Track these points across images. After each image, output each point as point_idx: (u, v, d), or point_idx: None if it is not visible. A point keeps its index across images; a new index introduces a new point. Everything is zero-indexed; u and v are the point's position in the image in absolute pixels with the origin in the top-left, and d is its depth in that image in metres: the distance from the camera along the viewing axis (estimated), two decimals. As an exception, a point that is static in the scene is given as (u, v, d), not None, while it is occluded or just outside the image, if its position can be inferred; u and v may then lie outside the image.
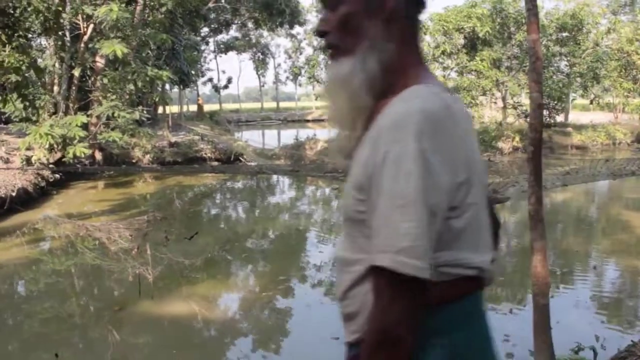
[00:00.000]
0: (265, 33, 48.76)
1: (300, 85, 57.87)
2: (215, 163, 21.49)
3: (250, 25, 41.66)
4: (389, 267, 1.03)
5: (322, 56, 34.20)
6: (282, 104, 63.93)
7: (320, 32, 1.24)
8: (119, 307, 7.20)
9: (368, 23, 1.18)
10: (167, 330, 6.72)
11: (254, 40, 50.49)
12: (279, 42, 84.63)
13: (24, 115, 16.86)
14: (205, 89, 61.06)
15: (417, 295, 1.05)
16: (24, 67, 16.39)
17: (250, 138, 29.22)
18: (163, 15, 22.27)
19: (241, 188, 18.91)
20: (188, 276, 8.40)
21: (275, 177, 19.49)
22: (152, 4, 20.99)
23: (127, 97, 18.79)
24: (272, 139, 34.88)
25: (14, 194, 13.18)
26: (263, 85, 61.26)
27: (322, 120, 43.64)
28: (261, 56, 54.29)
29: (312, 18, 43.53)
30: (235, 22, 40.05)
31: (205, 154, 22.05)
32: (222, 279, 8.87)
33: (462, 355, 1.14)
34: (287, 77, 59.21)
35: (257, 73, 56.47)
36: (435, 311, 1.11)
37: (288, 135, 34.90)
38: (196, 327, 6.78)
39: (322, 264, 9.06)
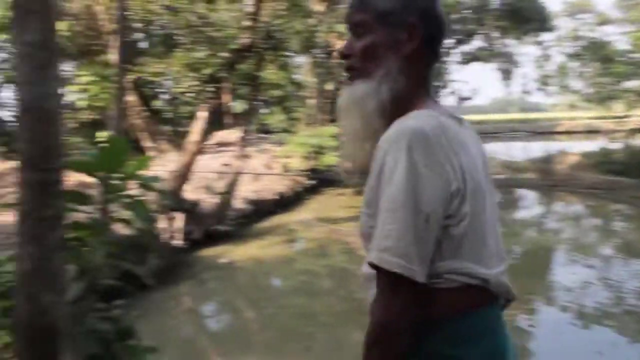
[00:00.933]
0: (511, 42, 46.93)
1: (549, 95, 54.57)
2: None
3: (495, 34, 40.50)
4: (372, 262, 1.16)
5: (573, 64, 31.85)
6: (530, 115, 60.90)
7: (343, 55, 1.37)
8: (366, 310, 7.54)
9: (388, 56, 1.31)
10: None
11: (499, 50, 48.97)
12: (525, 50, 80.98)
13: (284, 126, 18.69)
14: (450, 101, 60.86)
15: (411, 293, 1.14)
16: (285, 83, 18.28)
17: (496, 150, 28.31)
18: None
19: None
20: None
21: (520, 191, 18.65)
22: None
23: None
24: (518, 151, 33.44)
25: (275, 197, 14.72)
26: (510, 96, 59.13)
27: (574, 133, 40.47)
28: (507, 66, 52.44)
29: (562, 23, 40.83)
30: (480, 31, 39.31)
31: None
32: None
33: None
34: (535, 87, 56.35)
35: (502, 83, 54.74)
36: (447, 323, 1.20)
37: (536, 148, 33.08)
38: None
39: (573, 286, 8.39)
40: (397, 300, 1.16)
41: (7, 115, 35.83)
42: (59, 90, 2.64)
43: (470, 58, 45.66)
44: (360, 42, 1.34)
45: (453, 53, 42.41)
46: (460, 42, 39.73)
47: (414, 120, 1.20)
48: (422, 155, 1.14)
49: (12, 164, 15.74)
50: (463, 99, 48.25)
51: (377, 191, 1.20)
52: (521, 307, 7.51)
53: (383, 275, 1.17)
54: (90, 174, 2.75)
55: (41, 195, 2.54)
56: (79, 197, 2.86)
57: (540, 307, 7.89)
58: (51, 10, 2.64)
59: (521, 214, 16.14)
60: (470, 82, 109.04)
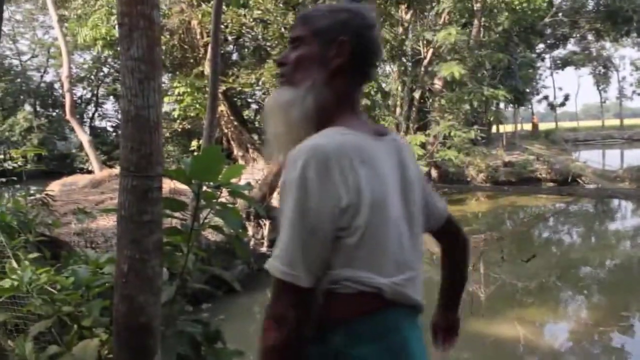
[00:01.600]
0: (607, 44, 44.63)
1: (648, 100, 51.45)
2: (551, 184, 20.56)
3: (590, 37, 38.67)
4: (266, 268, 1.31)
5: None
6: (627, 121, 57.59)
7: (279, 63, 1.51)
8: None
9: (316, 68, 1.42)
10: (488, 350, 6.71)
11: (594, 53, 46.70)
12: (623, 53, 77.00)
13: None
14: (540, 107, 58.73)
15: (295, 296, 1.28)
16: (372, 92, 18.26)
17: (590, 158, 26.97)
18: (498, 35, 22.33)
19: (577, 211, 17.69)
20: (519, 299, 8.23)
21: (616, 201, 17.69)
22: (488, 24, 21.23)
23: (463, 116, 19.33)
24: (614, 159, 31.72)
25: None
26: (604, 102, 56.35)
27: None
28: (603, 70, 49.90)
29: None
30: (574, 35, 37.69)
31: (540, 174, 21.27)
32: (553, 306, 8.44)
33: None
34: (634, 92, 53.30)
35: (597, 88, 52.20)
36: (346, 324, 1.32)
37: (633, 156, 31.26)
38: (518, 351, 6.61)
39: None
40: (281, 301, 1.30)
41: (108, 125, 38.21)
42: (159, 102, 2.78)
43: (562, 63, 43.88)
44: (294, 53, 1.46)
45: (545, 58, 40.96)
46: (551, 46, 38.28)
47: (319, 138, 1.30)
48: (315, 173, 1.24)
49: (111, 171, 16.71)
50: (555, 105, 46.45)
51: (281, 204, 1.32)
52: (616, 325, 7.17)
53: (274, 280, 1.31)
54: (185, 181, 2.86)
55: (140, 201, 2.68)
56: (175, 203, 2.99)
57: (637, 325, 7.49)
58: (154, 27, 2.78)
59: (616, 226, 15.34)
60: (562, 88, 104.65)
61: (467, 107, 18.70)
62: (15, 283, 3.45)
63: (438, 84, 20.13)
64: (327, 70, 1.42)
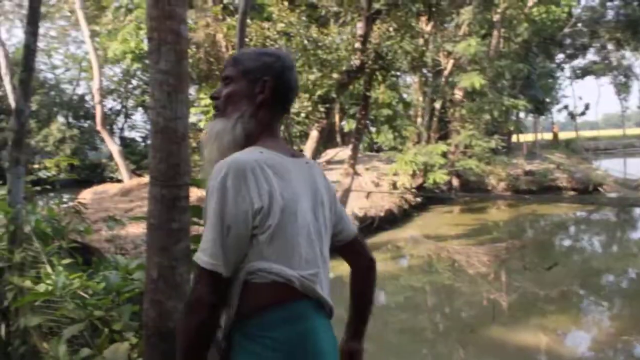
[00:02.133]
0: (628, 54, 43.96)
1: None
2: (572, 193, 20.37)
3: (610, 46, 38.18)
4: (193, 258, 1.57)
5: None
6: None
7: (212, 97, 1.76)
8: (471, 329, 7.45)
9: (244, 102, 1.68)
10: (510, 358, 6.69)
11: (614, 63, 46.03)
12: (644, 62, 75.68)
13: (392, 144, 18.73)
14: (560, 116, 58.21)
15: (213, 283, 1.50)
16: (394, 102, 18.38)
17: (611, 167, 26.61)
18: (518, 46, 22.28)
19: (598, 220, 17.50)
20: (541, 307, 8.22)
21: (638, 210, 17.45)
22: (507, 35, 21.20)
23: (484, 126, 19.29)
24: (635, 168, 31.21)
25: (382, 214, 14.79)
26: (625, 111, 55.44)
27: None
28: (623, 79, 49.17)
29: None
30: (593, 45, 37.27)
31: (561, 183, 21.09)
32: (575, 315, 8.39)
33: (283, 350, 1.50)
34: (655, 101, 52.26)
35: (618, 97, 51.47)
36: (261, 311, 1.52)
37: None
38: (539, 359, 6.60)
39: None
40: (202, 287, 1.52)
41: (137, 136, 38.80)
42: (187, 114, 2.90)
43: (582, 72, 43.40)
44: (226, 89, 1.72)
45: (564, 68, 40.55)
46: (571, 56, 37.91)
47: (240, 154, 1.57)
48: (232, 181, 1.50)
49: (140, 180, 16.96)
50: (575, 114, 45.90)
51: (205, 206, 1.57)
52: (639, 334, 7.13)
53: (197, 269, 1.54)
54: (212, 190, 2.97)
55: (169, 209, 2.80)
56: (202, 211, 3.11)
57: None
58: (182, 41, 2.91)
59: (637, 235, 15.16)
60: (582, 97, 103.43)
61: (487, 116, 18.68)
62: (50, 288, 3.59)
63: (458, 94, 20.13)
64: (253, 104, 1.69)
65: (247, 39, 10.68)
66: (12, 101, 14.31)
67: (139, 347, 3.29)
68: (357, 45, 11.40)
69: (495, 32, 20.76)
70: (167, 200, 2.78)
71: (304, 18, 12.22)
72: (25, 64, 5.09)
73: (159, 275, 2.84)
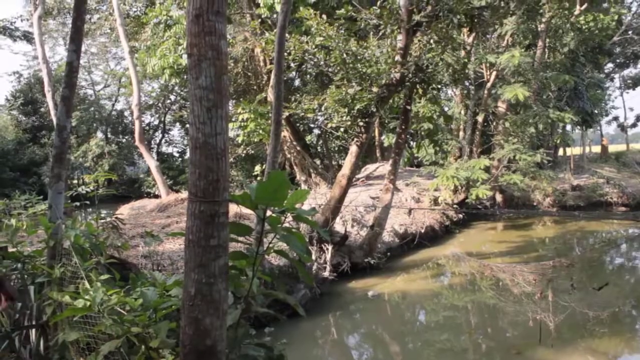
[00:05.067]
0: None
1: None
2: (622, 208, 19.71)
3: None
4: None
5: None
6: None
7: None
8: (516, 350, 7.19)
9: None
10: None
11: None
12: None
13: (433, 159, 18.50)
14: (610, 129, 56.61)
15: None
16: (435, 116, 18.15)
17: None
18: (564, 56, 21.81)
19: (652, 238, 16.86)
20: (590, 329, 7.88)
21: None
22: (553, 45, 20.78)
23: (528, 139, 18.89)
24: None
25: (423, 230, 14.56)
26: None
27: None
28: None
29: None
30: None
31: (611, 198, 20.46)
32: (629, 338, 8.03)
33: None
34: None
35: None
36: None
37: None
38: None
39: None
40: None
41: (174, 151, 39.44)
42: (226, 129, 2.85)
43: (633, 82, 42.19)
44: None
45: (614, 78, 39.50)
46: (621, 65, 36.93)
47: None
48: None
49: (177, 195, 17.15)
50: (626, 126, 44.61)
51: None
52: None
53: None
54: (251, 206, 2.91)
55: (207, 225, 2.74)
56: (241, 228, 3.04)
57: None
58: (222, 56, 2.87)
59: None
60: (634, 108, 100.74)
61: (532, 130, 18.28)
62: (88, 303, 3.57)
63: (502, 106, 19.79)
64: None
65: (285, 53, 10.69)
66: (54, 117, 14.68)
67: (175, 365, 3.25)
68: (397, 58, 11.29)
69: (540, 42, 20.37)
70: (206, 217, 2.74)
71: (342, 31, 12.19)
72: (67, 81, 5.16)
73: (196, 292, 2.79)
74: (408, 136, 18.85)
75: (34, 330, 4.18)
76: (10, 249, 4.84)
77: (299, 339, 7.64)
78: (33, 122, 34.33)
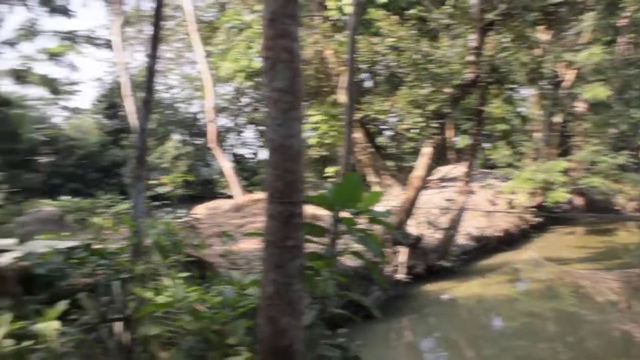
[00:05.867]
0: None
1: None
2: None
3: None
4: None
5: None
6: None
7: None
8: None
9: None
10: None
11: None
12: None
13: (508, 161, 18.02)
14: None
15: None
16: (510, 116, 17.69)
17: None
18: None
19: None
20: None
21: None
22: (635, 41, 19.78)
23: (610, 141, 18.08)
24: None
25: (499, 234, 14.21)
26: None
27: None
28: None
29: None
30: None
31: None
32: None
33: None
34: None
35: None
36: None
37: None
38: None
39: None
40: None
41: (247, 152, 40.20)
42: (301, 131, 2.89)
43: None
44: None
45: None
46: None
47: None
48: None
49: (251, 196, 17.47)
50: None
51: None
52: None
53: None
54: (327, 207, 2.93)
55: (284, 226, 2.78)
56: (317, 229, 3.07)
57: None
58: (297, 60, 2.91)
59: None
60: None
61: (614, 130, 17.48)
62: (169, 299, 3.70)
63: (581, 106, 19.03)
64: None
65: (356, 55, 10.70)
66: (132, 121, 15.29)
67: (251, 362, 3.30)
68: (470, 57, 11.06)
69: (621, 39, 19.43)
70: (282, 218, 2.78)
71: (413, 32, 12.07)
72: (147, 85, 5.37)
73: (274, 292, 2.84)
74: (483, 137, 18.47)
75: (118, 323, 4.36)
76: (96, 246, 5.08)
77: (373, 341, 7.61)
78: (114, 125, 35.85)
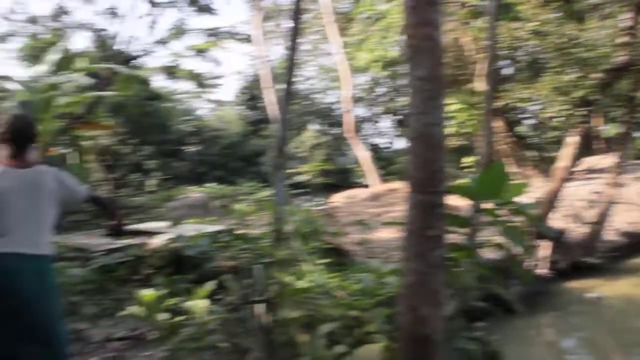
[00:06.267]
0: None
1: None
2: None
3: None
4: None
5: None
6: None
7: None
8: None
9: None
10: None
11: None
12: None
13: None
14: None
15: None
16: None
17: None
18: None
19: None
20: None
21: None
22: None
23: None
24: None
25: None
26: None
27: None
28: None
29: None
30: None
31: None
32: None
33: None
34: None
35: None
36: None
37: None
38: None
39: None
40: None
41: (383, 142, 40.27)
42: (443, 120, 2.85)
43: None
44: None
45: None
46: None
47: None
48: None
49: (388, 185, 17.48)
50: None
51: None
52: None
53: None
54: (470, 198, 2.88)
55: (426, 215, 2.77)
56: (458, 219, 3.02)
57: None
58: (439, 47, 2.87)
59: None
60: None
61: None
62: (310, 285, 3.83)
63: None
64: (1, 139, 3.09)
65: (495, 40, 10.32)
66: (272, 111, 15.87)
67: (388, 351, 3.32)
68: (623, 39, 10.22)
69: None
70: (424, 207, 2.77)
71: (557, 14, 11.39)
72: (287, 77, 5.56)
73: (415, 281, 2.83)
74: (635, 125, 17.04)
75: (260, 305, 4.58)
76: (239, 231, 5.36)
77: (512, 337, 7.35)
78: (255, 116, 37.46)
